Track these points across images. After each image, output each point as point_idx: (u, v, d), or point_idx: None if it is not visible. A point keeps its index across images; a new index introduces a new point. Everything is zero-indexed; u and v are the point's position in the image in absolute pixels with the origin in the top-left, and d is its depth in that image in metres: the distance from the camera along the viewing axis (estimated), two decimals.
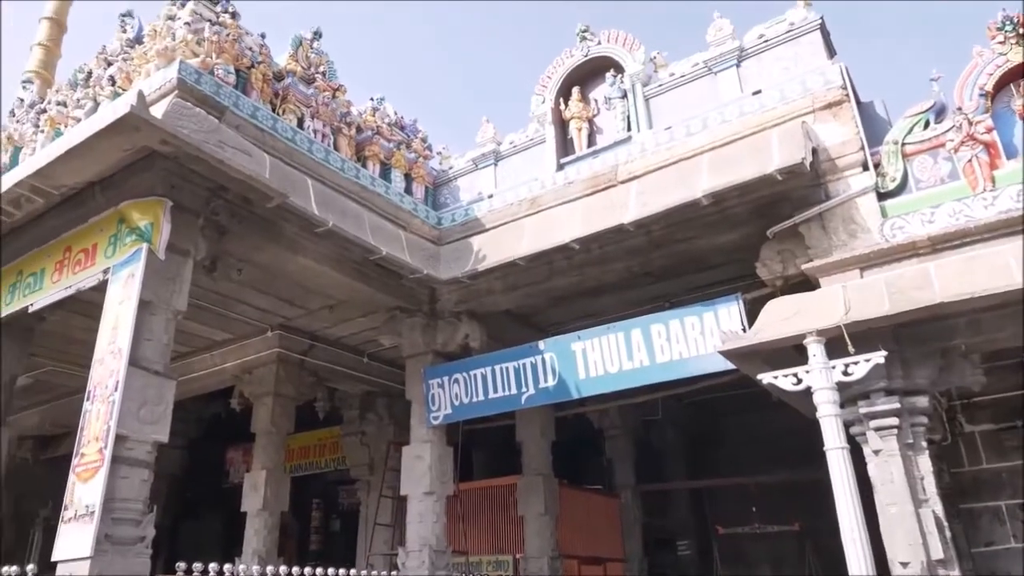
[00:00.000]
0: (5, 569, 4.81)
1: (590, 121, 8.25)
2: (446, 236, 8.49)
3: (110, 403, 5.30)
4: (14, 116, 8.65)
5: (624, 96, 7.95)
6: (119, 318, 5.67)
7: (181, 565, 4.96)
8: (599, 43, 8.29)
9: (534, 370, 7.42)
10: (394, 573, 7.81)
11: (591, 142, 8.13)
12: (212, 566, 4.91)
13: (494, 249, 7.64)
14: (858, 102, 6.58)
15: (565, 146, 8.28)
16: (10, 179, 6.79)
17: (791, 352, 5.37)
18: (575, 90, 8.35)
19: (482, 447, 11.80)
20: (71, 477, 5.28)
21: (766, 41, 7.20)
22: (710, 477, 12.39)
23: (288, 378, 9.50)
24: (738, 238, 6.76)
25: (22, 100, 9.12)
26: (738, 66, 7.30)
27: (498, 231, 8.02)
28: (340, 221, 6.85)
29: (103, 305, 5.92)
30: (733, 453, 12.51)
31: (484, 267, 7.51)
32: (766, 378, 5.20)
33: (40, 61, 15.43)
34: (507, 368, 7.60)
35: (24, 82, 14.64)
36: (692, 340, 6.52)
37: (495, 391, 7.65)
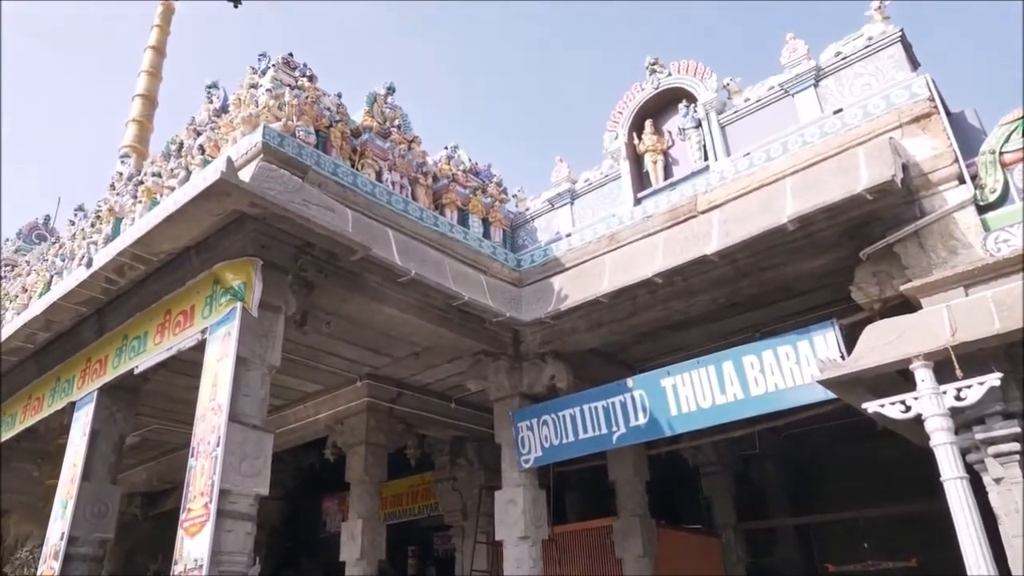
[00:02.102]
0: None
1: (665, 153, 8.15)
2: (526, 278, 8.50)
3: (213, 458, 5.47)
4: (114, 189, 9.18)
5: (698, 125, 7.84)
6: (218, 375, 5.88)
7: None
8: (669, 74, 8.24)
9: (624, 408, 7.26)
10: None
11: (668, 174, 8.03)
12: None
13: (576, 288, 7.58)
14: (948, 113, 6.26)
15: (641, 180, 8.20)
16: (113, 249, 7.23)
17: (896, 378, 5.08)
18: (648, 123, 8.29)
19: (574, 488, 11.60)
20: (179, 532, 5.46)
21: (844, 59, 6.98)
22: (816, 512, 11.74)
23: (379, 426, 9.61)
24: (828, 262, 6.50)
25: (121, 173, 9.69)
26: (816, 86, 7.10)
27: (578, 269, 7.96)
28: (421, 269, 6.95)
29: (202, 364, 6.16)
30: (839, 486, 11.84)
31: (567, 306, 7.44)
32: (871, 407, 4.92)
33: (135, 136, 16.47)
34: (596, 407, 7.47)
35: (122, 156, 15.68)
36: (787, 370, 6.25)
37: (585, 431, 7.51)
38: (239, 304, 5.96)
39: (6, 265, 11.72)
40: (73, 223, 9.80)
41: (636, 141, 8.32)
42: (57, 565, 6.77)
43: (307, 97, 7.22)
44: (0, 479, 9.94)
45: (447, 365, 9.19)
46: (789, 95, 7.25)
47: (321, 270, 6.69)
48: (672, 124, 8.26)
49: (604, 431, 7.38)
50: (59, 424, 8.55)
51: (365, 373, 9.54)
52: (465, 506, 10.91)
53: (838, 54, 7.04)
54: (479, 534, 10.10)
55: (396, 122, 8.32)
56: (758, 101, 7.48)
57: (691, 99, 8.04)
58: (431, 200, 8.23)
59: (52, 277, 9.26)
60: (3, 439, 9.22)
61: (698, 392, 6.75)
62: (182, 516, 5.49)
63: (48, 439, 9.36)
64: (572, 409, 7.65)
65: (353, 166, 7.44)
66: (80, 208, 10.00)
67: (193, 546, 5.26)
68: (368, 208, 7.20)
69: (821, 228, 6.22)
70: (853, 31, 7.07)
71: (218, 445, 5.48)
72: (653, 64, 8.37)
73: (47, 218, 13.07)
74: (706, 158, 7.66)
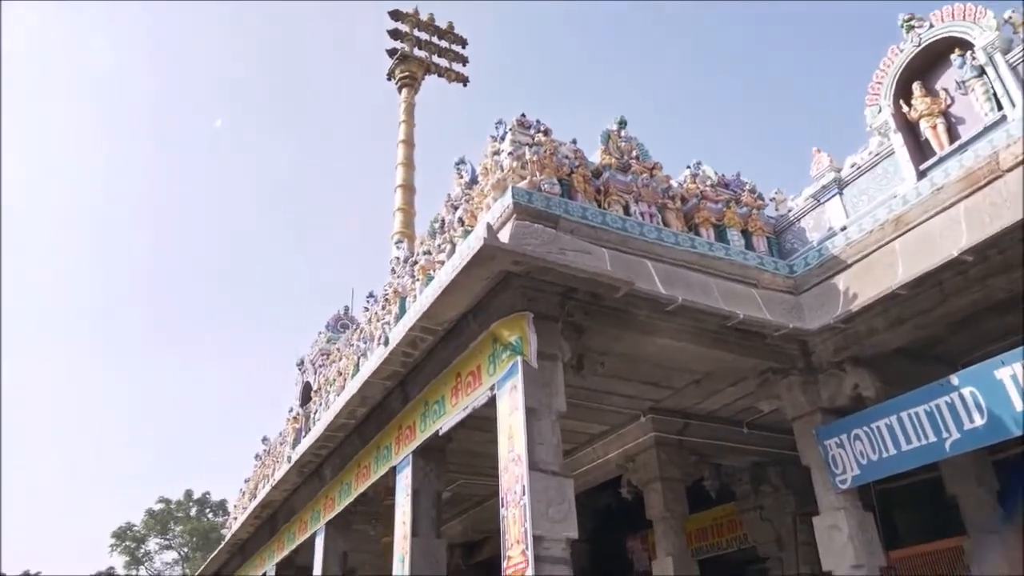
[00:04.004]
0: None
1: (944, 114, 7.07)
2: (803, 283, 7.81)
3: (521, 507, 5.70)
4: (395, 273, 10.14)
5: (981, 73, 6.71)
6: (512, 427, 6.14)
7: None
8: (931, 27, 7.20)
9: (952, 410, 6.25)
10: None
11: (952, 137, 6.95)
12: None
13: (864, 284, 6.81)
14: None
15: (920, 150, 7.20)
16: (404, 326, 7.97)
17: None
18: (915, 86, 7.29)
19: (904, 507, 10.24)
20: None
21: None
22: None
23: (670, 460, 9.37)
24: None
25: (398, 258, 10.75)
26: None
27: (863, 263, 7.14)
28: (687, 294, 6.73)
29: (494, 418, 6.47)
30: None
31: (858, 306, 6.70)
32: None
33: (402, 223, 18.41)
34: (916, 414, 6.53)
35: (397, 243, 17.52)
36: None
37: (908, 442, 6.59)
38: (519, 358, 6.21)
39: (322, 354, 13.52)
40: (367, 309, 10.99)
41: (905, 109, 7.35)
42: None
43: (545, 150, 7.42)
44: (346, 540, 11.26)
45: (731, 389, 8.73)
46: None
47: (588, 312, 6.75)
48: (946, 80, 7.17)
49: (932, 439, 6.41)
50: (384, 487, 9.50)
51: (647, 408, 9.40)
52: (779, 536, 10.14)
53: None
54: (801, 565, 9.31)
55: (633, 153, 8.27)
56: None
57: (965, 46, 6.94)
58: (683, 223, 7.98)
59: (359, 359, 10.45)
60: (345, 505, 10.47)
61: None
62: (504, 564, 5.76)
63: (377, 502, 10.46)
64: (887, 419, 6.77)
65: (599, 206, 7.48)
66: (371, 295, 11.18)
67: None
68: (622, 243, 7.17)
69: None
70: None
71: (524, 494, 5.70)
72: (909, 20, 7.37)
73: (346, 308, 14.88)
74: (1000, 107, 6.51)
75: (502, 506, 6.04)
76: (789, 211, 8.56)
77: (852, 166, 7.87)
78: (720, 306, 6.86)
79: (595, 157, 8.05)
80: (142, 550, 49.21)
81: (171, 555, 50.18)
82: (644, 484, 9.55)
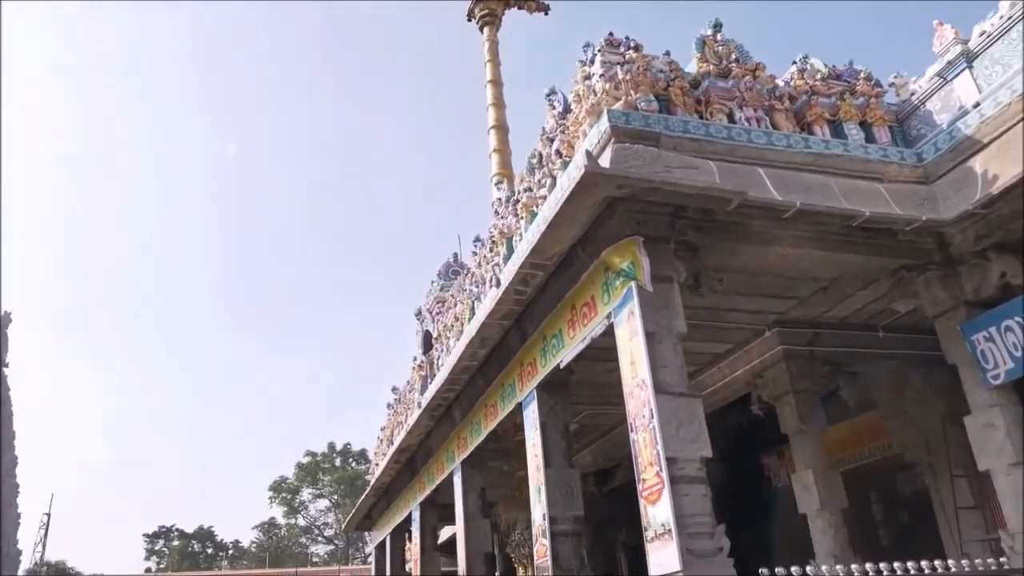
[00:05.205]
0: None
1: None
2: (934, 171, 7.22)
3: (651, 430, 5.74)
4: (498, 214, 10.19)
5: None
6: (633, 353, 6.15)
7: (764, 572, 4.98)
8: None
9: None
10: (1001, 560, 6.62)
11: None
12: (795, 570, 5.02)
13: (1005, 163, 6.21)
14: None
15: None
16: (513, 265, 8.03)
17: None
18: None
19: None
20: (641, 502, 5.81)
21: None
22: None
23: (801, 373, 9.07)
24: None
25: (499, 199, 10.74)
26: None
27: (1003, 140, 6.49)
28: (805, 197, 6.41)
29: (613, 347, 6.47)
30: None
31: (999, 188, 6.16)
32: None
33: (499, 163, 18.39)
34: None
35: (496, 184, 17.58)
36: None
37: None
38: (633, 283, 6.15)
39: (437, 302, 13.89)
40: (475, 253, 11.14)
41: None
42: (547, 542, 7.71)
43: (638, 67, 7.15)
44: (482, 476, 11.71)
45: (863, 292, 8.27)
46: None
47: (700, 229, 6.58)
48: None
49: None
50: (512, 424, 9.78)
51: (772, 321, 9.09)
52: (927, 440, 9.67)
53: None
54: (954, 468, 8.86)
55: (732, 57, 7.84)
56: None
57: None
58: (794, 123, 7.54)
59: (473, 303, 10.66)
60: (477, 443, 10.86)
61: None
62: (640, 487, 5.83)
63: (507, 439, 10.78)
64: None
65: (701, 117, 7.19)
66: (477, 239, 11.29)
67: (657, 512, 5.57)
68: (729, 153, 6.89)
69: None
70: None
71: (652, 417, 5.73)
72: None
73: (455, 255, 15.14)
74: None
75: (631, 431, 6.09)
76: (912, 95, 7.88)
77: (981, 35, 7.10)
78: (843, 206, 6.49)
79: (691, 67, 7.69)
80: (297, 500, 53.38)
81: (323, 503, 54.15)
82: (776, 399, 9.32)
